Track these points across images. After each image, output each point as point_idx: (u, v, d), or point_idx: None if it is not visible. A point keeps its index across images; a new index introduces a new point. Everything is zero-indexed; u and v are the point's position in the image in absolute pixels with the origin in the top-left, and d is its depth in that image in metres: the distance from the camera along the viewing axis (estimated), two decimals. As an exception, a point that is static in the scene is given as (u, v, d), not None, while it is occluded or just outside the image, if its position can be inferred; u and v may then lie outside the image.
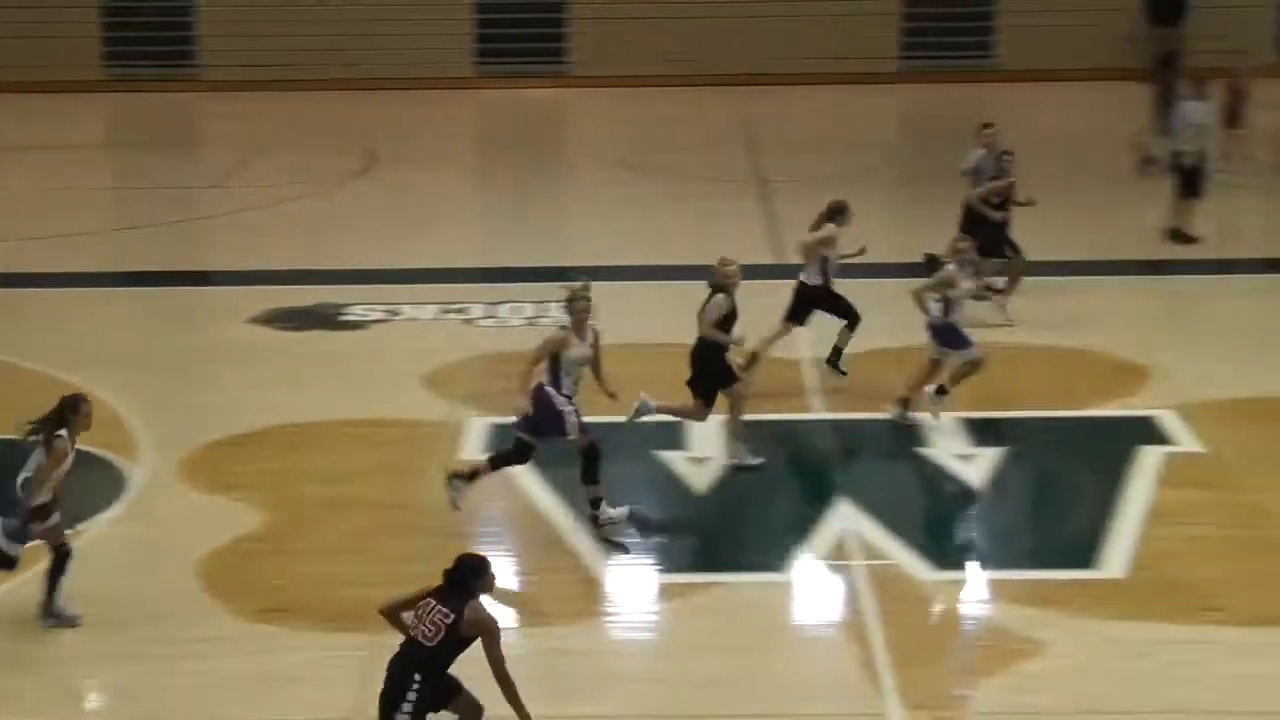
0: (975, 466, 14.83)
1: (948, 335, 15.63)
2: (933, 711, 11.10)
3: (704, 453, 15.10)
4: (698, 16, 33.86)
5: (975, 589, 12.97)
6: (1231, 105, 25.68)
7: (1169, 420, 15.67)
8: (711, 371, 14.63)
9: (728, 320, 14.50)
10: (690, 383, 14.69)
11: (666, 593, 12.99)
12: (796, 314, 16.76)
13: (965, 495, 14.60)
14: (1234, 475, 14.64)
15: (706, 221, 23.16)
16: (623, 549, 13.30)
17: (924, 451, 15.21)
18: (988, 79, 33.59)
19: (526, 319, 19.09)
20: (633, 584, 13.12)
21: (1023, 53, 33.55)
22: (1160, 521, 13.75)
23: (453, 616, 9.66)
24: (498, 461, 13.89)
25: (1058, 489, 14.96)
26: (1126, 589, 12.70)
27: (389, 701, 9.70)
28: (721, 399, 14.70)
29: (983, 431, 15.33)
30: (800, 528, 13.76)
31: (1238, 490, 14.37)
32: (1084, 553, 13.11)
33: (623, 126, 31.18)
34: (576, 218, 24.63)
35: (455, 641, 9.71)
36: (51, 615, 12.05)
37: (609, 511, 13.62)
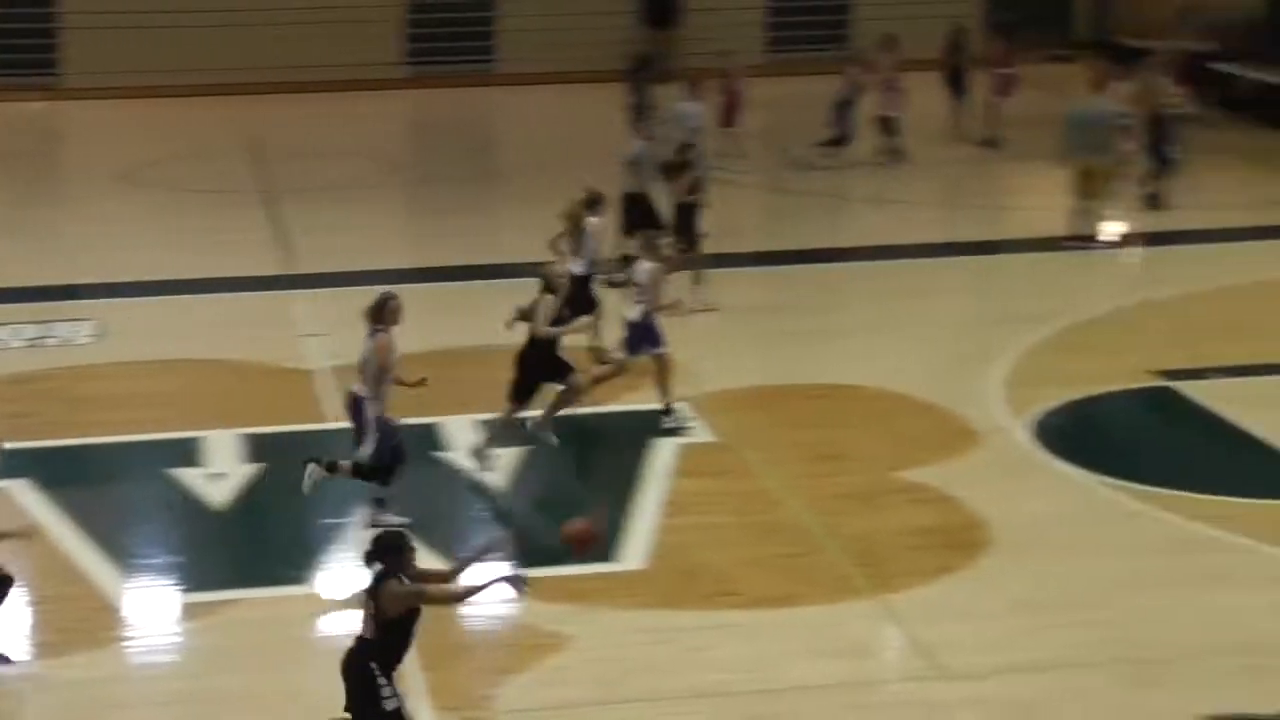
0: (498, 466, 14.96)
1: (643, 335, 15.87)
2: (462, 712, 11.16)
3: (221, 468, 14.86)
4: (196, 26, 33.09)
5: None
6: (727, 106, 26.59)
7: (683, 411, 16.06)
8: (548, 368, 15.08)
9: (557, 321, 15.09)
10: (517, 383, 15.06)
11: (186, 612, 12.70)
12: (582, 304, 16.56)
13: (487, 494, 14.69)
14: (743, 463, 15.16)
15: (212, 233, 22.72)
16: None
17: (445, 455, 15.28)
18: (491, 83, 33.87)
19: (29, 340, 18.43)
20: (149, 605, 12.78)
21: (521, 57, 33.92)
22: (676, 512, 14.14)
23: (374, 604, 9.48)
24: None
25: (577, 485, 15.18)
26: (647, 579, 13.02)
27: (364, 699, 9.49)
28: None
29: (503, 430, 15.40)
30: (324, 538, 13.65)
31: (746, 478, 14.89)
32: (604, 547, 13.33)
33: (120, 139, 30.26)
34: (75, 235, 23.79)
35: (388, 623, 9.49)
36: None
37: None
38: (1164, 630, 12.19)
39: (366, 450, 13.63)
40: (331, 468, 13.74)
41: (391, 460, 13.73)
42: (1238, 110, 30.21)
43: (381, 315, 13.70)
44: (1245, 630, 12.11)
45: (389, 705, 9.52)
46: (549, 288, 15.10)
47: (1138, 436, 16.76)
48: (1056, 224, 22.55)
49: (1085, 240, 22.19)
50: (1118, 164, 22.54)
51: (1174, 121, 23.84)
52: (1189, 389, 16.98)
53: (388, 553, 9.61)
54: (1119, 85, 24.03)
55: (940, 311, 19.80)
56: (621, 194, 19.83)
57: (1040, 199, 25.07)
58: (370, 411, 13.60)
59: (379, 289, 14.05)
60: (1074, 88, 25.14)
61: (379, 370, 13.58)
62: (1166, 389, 17.09)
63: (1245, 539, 13.62)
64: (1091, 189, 22.39)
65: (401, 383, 13.81)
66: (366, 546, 9.72)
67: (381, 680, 9.52)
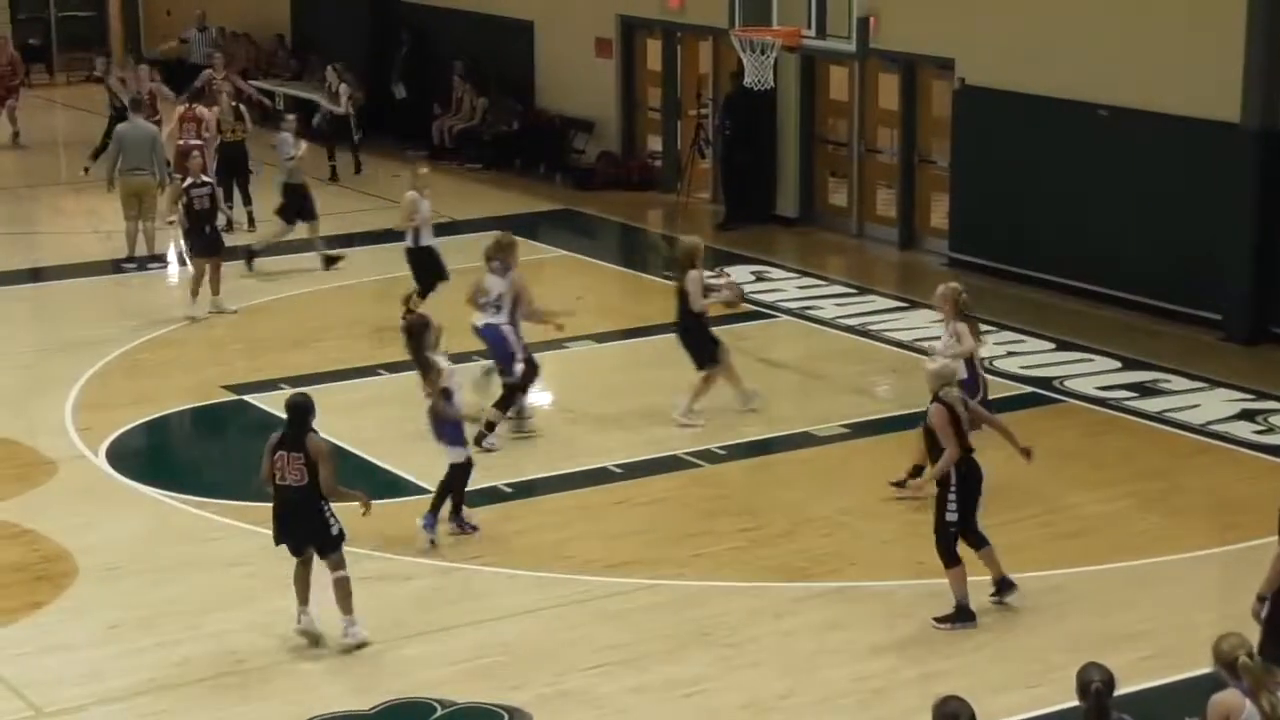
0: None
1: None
2: None
3: None
4: None
5: None
6: None
7: None
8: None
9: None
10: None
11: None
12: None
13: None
14: None
15: None
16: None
17: None
18: None
19: None
20: None
21: None
22: None
23: (303, 455, 11.93)
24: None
25: None
26: None
27: (314, 528, 12.17)
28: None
29: None
30: None
31: None
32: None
33: None
34: None
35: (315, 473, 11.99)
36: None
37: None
38: (260, 639, 12.29)
39: (516, 370, 15.81)
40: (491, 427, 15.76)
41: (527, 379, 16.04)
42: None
43: (512, 253, 15.91)
44: (332, 630, 12.35)
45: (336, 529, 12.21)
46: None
47: (217, 453, 16.80)
48: (103, 247, 22.35)
49: (143, 260, 22.09)
50: (161, 183, 22.56)
51: (236, 147, 24.10)
52: (261, 400, 17.20)
53: (307, 413, 12.11)
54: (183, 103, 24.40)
55: (4, 342, 19.15)
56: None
57: (77, 222, 24.81)
58: (515, 336, 15.76)
59: None
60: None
61: (517, 301, 15.76)
62: (240, 402, 17.25)
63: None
64: (142, 208, 22.29)
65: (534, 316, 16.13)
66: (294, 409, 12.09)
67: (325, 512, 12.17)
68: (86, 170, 27.11)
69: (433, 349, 13.88)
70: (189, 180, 20.02)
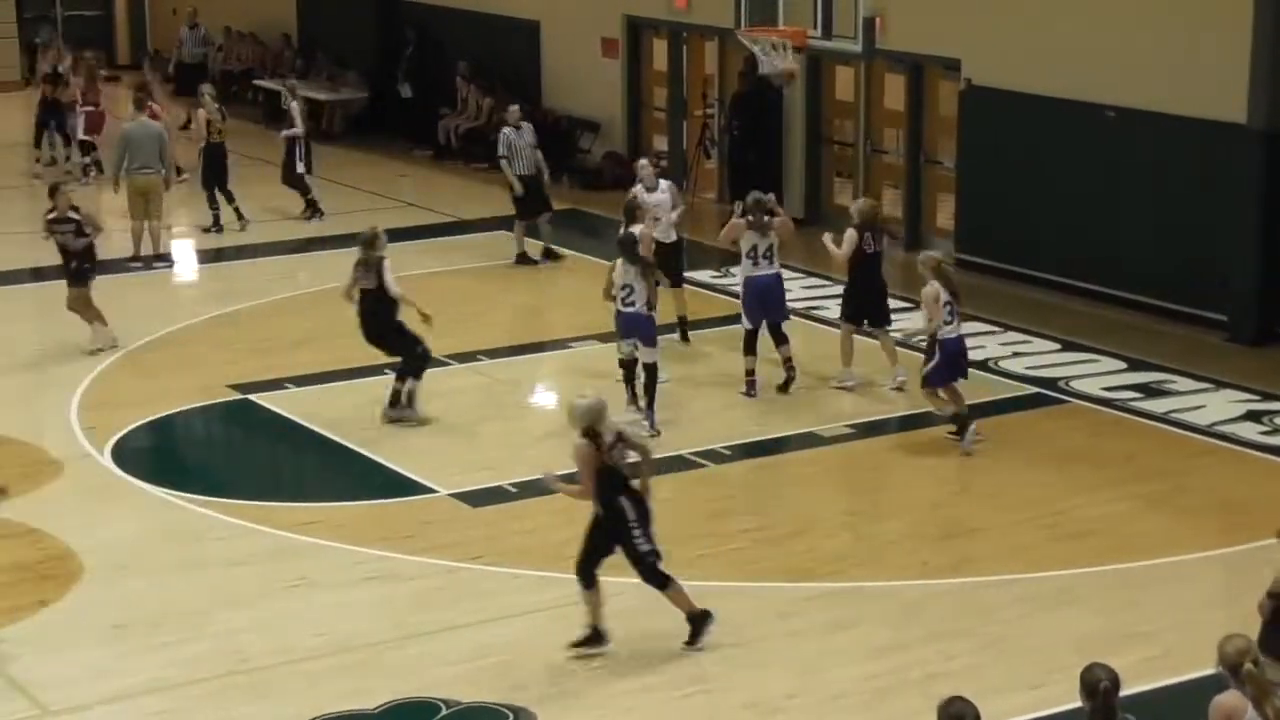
0: None
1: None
2: None
3: None
4: None
5: None
6: None
7: None
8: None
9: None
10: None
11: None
12: None
13: None
14: None
15: None
16: None
17: None
18: None
19: None
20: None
21: None
22: None
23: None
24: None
25: None
26: None
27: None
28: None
29: None
30: None
31: None
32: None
33: None
34: None
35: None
36: None
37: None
38: (265, 639, 12.29)
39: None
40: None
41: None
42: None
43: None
44: (336, 631, 12.40)
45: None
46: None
47: (223, 452, 16.83)
48: (111, 245, 22.32)
49: (148, 259, 22.13)
50: (167, 181, 22.60)
51: (219, 148, 24.14)
52: (267, 400, 17.23)
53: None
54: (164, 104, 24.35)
55: (9, 342, 19.17)
56: None
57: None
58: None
59: None
60: (123, 107, 25.03)
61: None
62: (246, 401, 17.26)
63: (331, 542, 13.94)
64: (148, 208, 22.34)
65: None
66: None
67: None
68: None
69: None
70: (54, 213, 18.98)
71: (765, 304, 17.30)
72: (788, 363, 17.33)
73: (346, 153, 29.62)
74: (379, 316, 16.50)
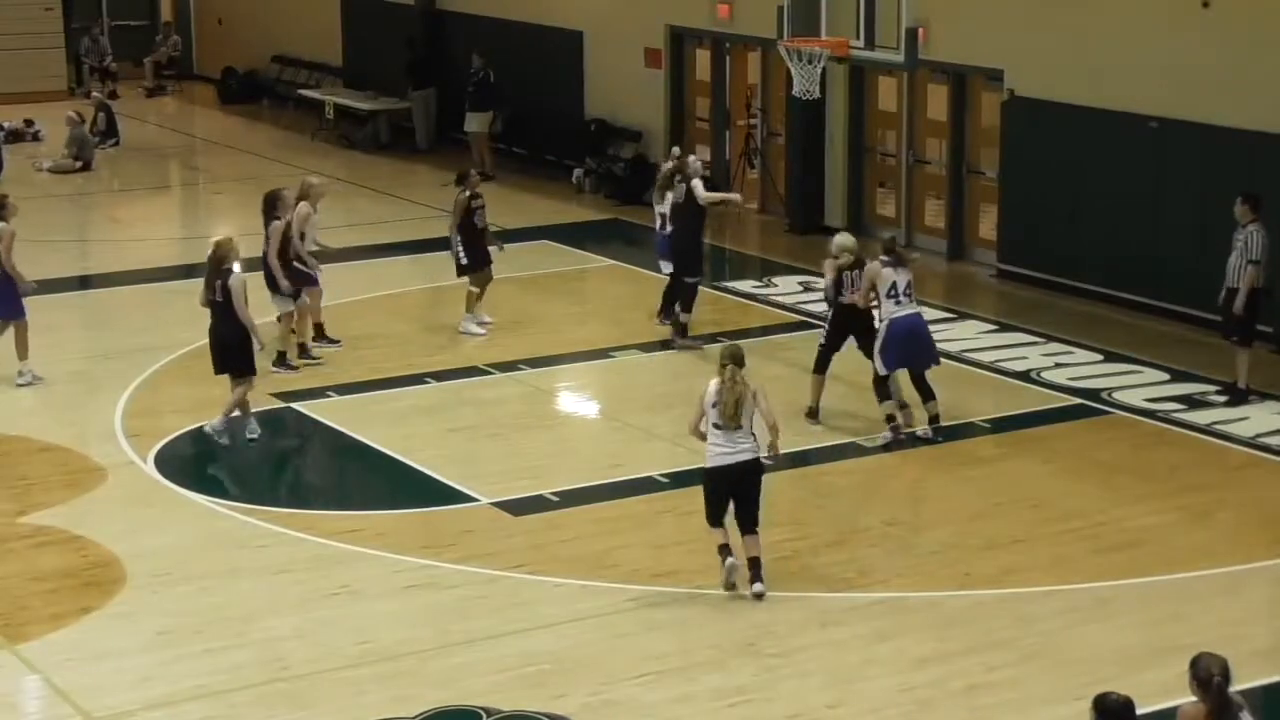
0: None
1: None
2: None
3: None
4: None
5: None
6: None
7: None
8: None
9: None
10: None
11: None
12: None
13: None
14: None
15: None
16: None
17: None
18: None
19: None
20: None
21: None
22: None
23: None
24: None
25: None
26: None
27: None
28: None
29: None
30: None
31: None
32: None
33: None
34: None
35: None
36: None
37: None
38: (307, 647, 12.32)
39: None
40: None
41: None
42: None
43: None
44: (378, 639, 12.43)
45: None
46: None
47: (266, 460, 16.88)
48: (157, 254, 22.47)
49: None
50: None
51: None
52: (310, 408, 17.29)
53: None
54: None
55: (56, 349, 19.26)
56: None
57: (140, 230, 24.98)
58: None
59: None
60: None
61: None
62: (289, 409, 17.33)
63: (373, 550, 13.97)
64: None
65: None
66: None
67: None
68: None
69: None
70: None
71: (909, 348, 16.48)
72: (934, 420, 16.59)
73: (391, 162, 29.74)
74: (220, 333, 16.37)
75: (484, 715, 11.30)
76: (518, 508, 14.83)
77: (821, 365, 17.00)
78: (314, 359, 18.51)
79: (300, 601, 13.08)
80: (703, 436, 13.15)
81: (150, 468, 15.73)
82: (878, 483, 15.69)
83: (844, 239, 17.02)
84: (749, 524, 13.07)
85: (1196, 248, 19.56)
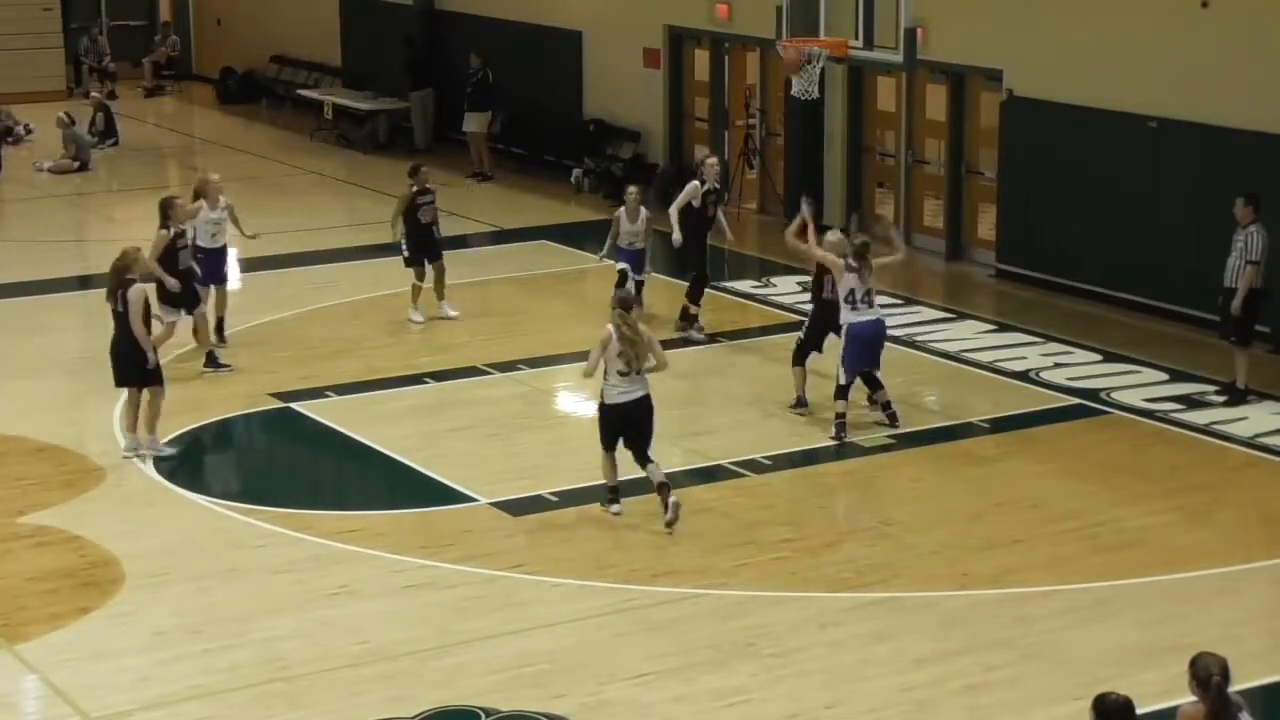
0: None
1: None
2: None
3: None
4: None
5: None
6: None
7: None
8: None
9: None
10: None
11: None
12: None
13: None
14: None
15: None
16: None
17: None
18: None
19: None
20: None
21: None
22: None
23: None
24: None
25: None
26: None
27: None
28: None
29: None
30: None
31: None
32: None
33: None
34: None
35: None
36: None
37: None
38: (305, 647, 12.31)
39: None
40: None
41: None
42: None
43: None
44: (376, 639, 12.42)
45: None
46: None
47: (265, 460, 16.89)
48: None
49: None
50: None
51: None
52: (308, 408, 17.29)
53: None
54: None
55: (54, 349, 19.29)
56: None
57: (138, 230, 24.92)
58: None
59: None
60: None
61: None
62: (288, 410, 17.32)
63: (372, 550, 13.96)
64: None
65: None
66: None
67: None
68: None
69: None
70: None
71: (868, 354, 16.63)
72: (887, 406, 16.84)
73: (390, 162, 29.73)
74: (119, 344, 15.98)
75: (482, 715, 11.30)
76: (517, 508, 14.83)
77: (800, 358, 17.09)
78: (222, 365, 18.38)
79: (299, 601, 13.08)
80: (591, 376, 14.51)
81: (149, 468, 15.72)
82: (876, 483, 15.68)
83: (833, 236, 17.04)
84: (646, 455, 14.37)
85: (1195, 248, 19.56)
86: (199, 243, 18.71)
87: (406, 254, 20.10)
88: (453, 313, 20.19)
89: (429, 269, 20.06)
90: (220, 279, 19.13)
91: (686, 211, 19.31)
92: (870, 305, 16.47)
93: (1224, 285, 17.33)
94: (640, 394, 14.37)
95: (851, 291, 16.37)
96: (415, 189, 19.96)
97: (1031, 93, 21.59)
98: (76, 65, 36.66)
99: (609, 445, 14.52)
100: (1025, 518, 14.65)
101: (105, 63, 36.34)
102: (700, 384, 17.57)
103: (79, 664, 12.05)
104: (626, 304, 14.61)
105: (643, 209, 19.64)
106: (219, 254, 19.09)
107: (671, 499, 14.19)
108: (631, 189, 20.00)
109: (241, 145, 31.45)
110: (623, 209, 19.71)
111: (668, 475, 14.57)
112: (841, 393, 16.51)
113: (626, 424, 14.46)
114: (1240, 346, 17.38)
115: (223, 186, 19.44)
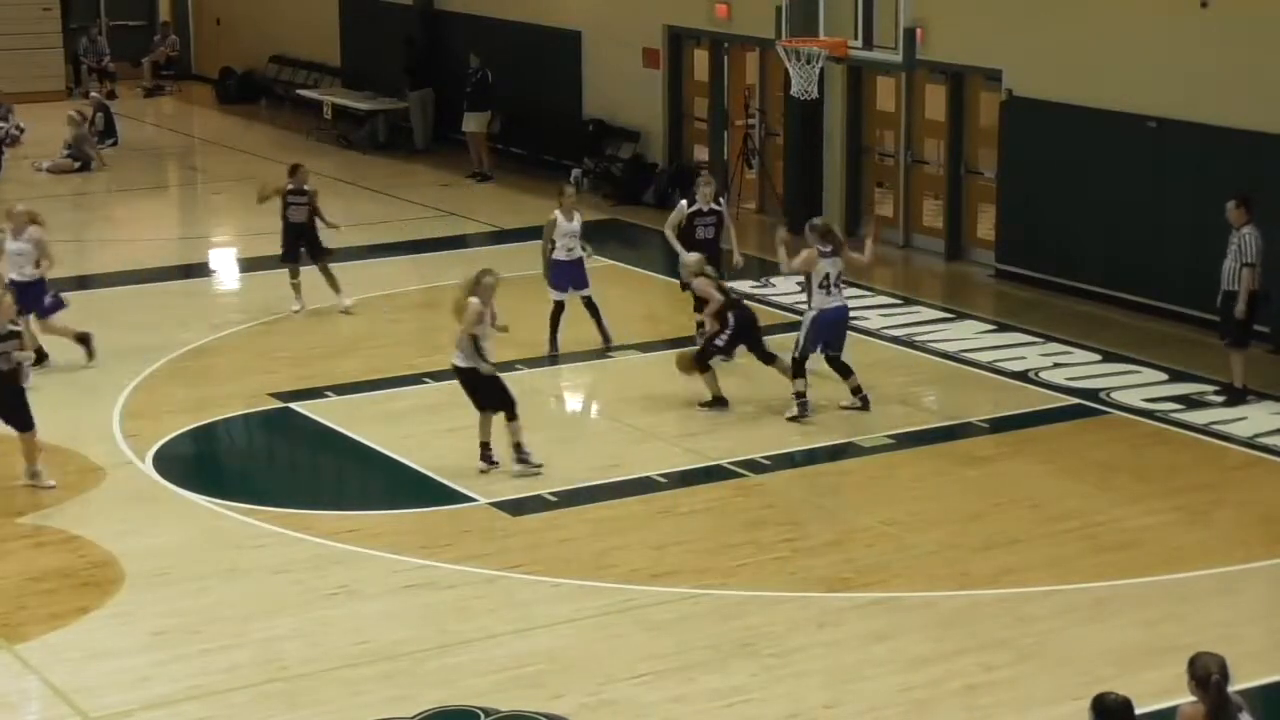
0: None
1: None
2: None
3: None
4: None
5: None
6: None
7: None
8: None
9: None
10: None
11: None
12: None
13: None
14: None
15: None
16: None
17: None
18: None
19: None
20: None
21: None
22: None
23: None
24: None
25: None
26: None
27: None
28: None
29: None
30: None
31: None
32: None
33: None
34: None
35: None
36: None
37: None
38: (305, 647, 12.31)
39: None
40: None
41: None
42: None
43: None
44: (376, 639, 12.42)
45: None
46: None
47: (264, 460, 16.89)
48: (154, 254, 22.45)
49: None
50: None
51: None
52: (308, 408, 17.29)
53: None
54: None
55: (53, 348, 19.23)
56: None
57: (138, 229, 24.96)
58: None
59: None
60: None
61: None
62: (287, 410, 17.32)
63: (371, 550, 13.96)
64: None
65: None
66: None
67: None
68: None
69: None
70: None
71: (831, 335, 16.96)
72: (857, 391, 17.05)
73: (389, 162, 29.75)
74: None
75: (482, 715, 11.30)
76: (516, 508, 14.83)
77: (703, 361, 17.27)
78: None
79: (298, 601, 13.07)
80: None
81: (148, 467, 15.72)
82: (875, 482, 15.68)
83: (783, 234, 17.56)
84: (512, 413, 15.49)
85: (1195, 248, 19.55)
86: (11, 276, 17.92)
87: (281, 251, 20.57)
88: (347, 301, 20.48)
89: (312, 267, 20.40)
90: (43, 311, 18.33)
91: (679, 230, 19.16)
92: (840, 290, 16.88)
93: (1222, 289, 17.33)
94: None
95: (826, 275, 16.73)
96: (289, 188, 20.25)
97: (1031, 93, 21.59)
98: (76, 65, 36.66)
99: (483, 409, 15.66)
100: (1025, 518, 14.66)
101: (104, 63, 36.35)
102: (696, 385, 17.54)
103: (78, 664, 12.05)
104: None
105: (577, 212, 19.16)
106: (32, 287, 18.10)
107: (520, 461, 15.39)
108: (567, 187, 19.72)
109: (241, 145, 31.45)
110: (558, 209, 19.12)
111: (667, 475, 14.51)
112: (799, 369, 16.82)
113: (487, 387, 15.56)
114: (1237, 349, 17.37)
115: (37, 214, 18.70)
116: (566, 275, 18.98)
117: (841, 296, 16.96)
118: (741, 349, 17.28)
